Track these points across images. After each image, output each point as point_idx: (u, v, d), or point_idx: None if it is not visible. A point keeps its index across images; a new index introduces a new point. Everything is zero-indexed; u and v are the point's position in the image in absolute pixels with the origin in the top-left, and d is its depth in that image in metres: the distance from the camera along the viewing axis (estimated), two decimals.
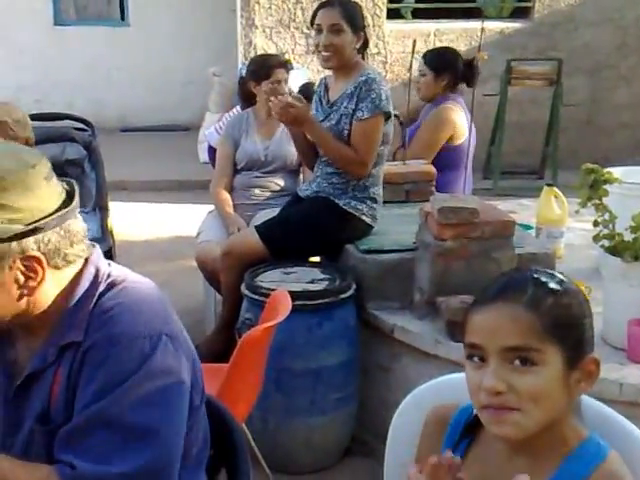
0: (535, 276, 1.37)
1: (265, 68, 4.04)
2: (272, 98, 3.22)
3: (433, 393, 1.63)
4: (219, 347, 3.28)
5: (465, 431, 1.44)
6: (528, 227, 3.69)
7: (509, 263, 2.89)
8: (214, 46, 8.87)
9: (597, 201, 2.64)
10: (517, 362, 1.29)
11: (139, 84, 9.44)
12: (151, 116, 9.34)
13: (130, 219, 5.99)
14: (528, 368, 1.29)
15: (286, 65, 4.14)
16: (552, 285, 1.34)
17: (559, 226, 3.59)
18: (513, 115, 7.19)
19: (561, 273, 1.42)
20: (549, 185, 3.68)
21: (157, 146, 8.55)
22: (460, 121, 4.18)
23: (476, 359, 1.33)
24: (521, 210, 4.12)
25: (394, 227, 3.42)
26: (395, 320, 3.01)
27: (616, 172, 3.16)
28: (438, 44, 7.14)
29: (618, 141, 7.72)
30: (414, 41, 4.12)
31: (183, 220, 5.92)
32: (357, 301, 3.11)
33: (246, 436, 2.52)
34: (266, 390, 2.74)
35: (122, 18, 9.66)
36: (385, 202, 3.52)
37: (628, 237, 2.60)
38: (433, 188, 3.80)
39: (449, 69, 4.23)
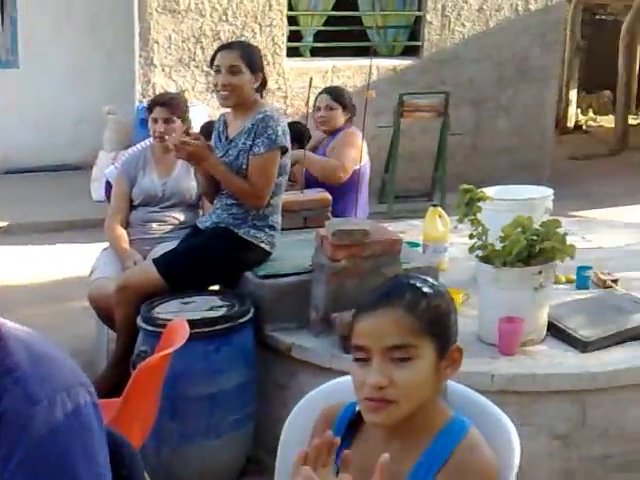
0: (411, 282, 1.55)
1: (150, 107, 4.15)
2: (166, 137, 3.31)
3: (323, 397, 1.75)
4: (113, 382, 3.24)
5: (349, 426, 1.58)
6: (416, 244, 3.92)
7: None
8: (109, 84, 8.79)
9: (472, 217, 2.89)
10: (397, 359, 1.45)
11: (27, 124, 9.10)
12: (39, 156, 8.96)
13: (13, 263, 5.86)
14: (407, 363, 1.46)
15: (170, 104, 4.10)
16: (425, 289, 1.53)
17: (443, 242, 3.84)
18: (405, 144, 7.54)
19: (430, 278, 1.61)
20: (434, 206, 3.93)
21: (45, 186, 8.24)
22: (363, 147, 4.46)
23: (361, 359, 1.48)
24: (411, 230, 4.36)
25: (292, 252, 3.55)
26: (292, 339, 3.14)
27: (490, 191, 3.45)
28: (335, 80, 7.49)
29: (499, 164, 8.25)
30: (310, 79, 4.41)
31: (72, 261, 5.79)
32: (256, 324, 3.20)
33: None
34: (160, 420, 2.74)
35: (11, 59, 9.40)
36: (284, 229, 3.67)
37: (499, 247, 2.86)
38: (329, 214, 3.97)
39: (351, 104, 4.60)
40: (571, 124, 13.82)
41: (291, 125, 3.84)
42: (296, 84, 7.56)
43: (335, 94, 4.62)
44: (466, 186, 2.92)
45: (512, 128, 8.47)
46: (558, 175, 9.87)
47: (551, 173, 9.43)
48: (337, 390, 1.75)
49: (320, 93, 4.70)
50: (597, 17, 14.78)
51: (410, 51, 8.34)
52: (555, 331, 3.08)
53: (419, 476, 1.49)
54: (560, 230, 2.86)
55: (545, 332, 3.08)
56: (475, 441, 1.51)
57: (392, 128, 7.36)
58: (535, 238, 2.79)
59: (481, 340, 3.07)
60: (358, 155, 4.36)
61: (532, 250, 2.81)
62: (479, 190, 2.96)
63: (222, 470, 3.15)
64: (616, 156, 11.47)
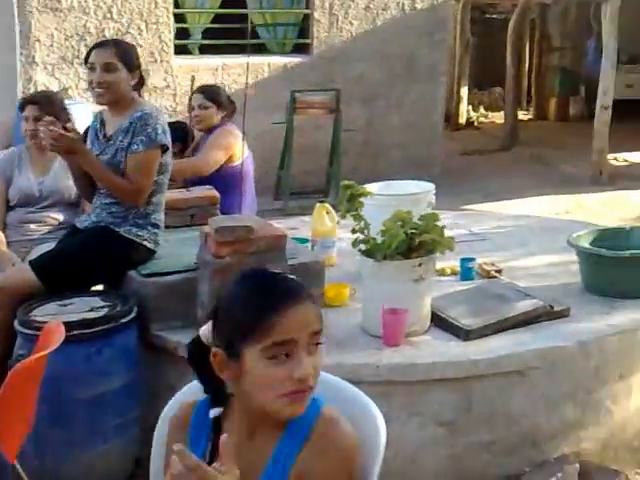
0: (285, 275, 1.59)
1: (21, 105, 4.08)
2: (41, 128, 3.24)
3: (193, 394, 1.71)
4: None
5: (214, 425, 1.57)
6: (305, 240, 3.95)
7: None
8: None
9: (354, 212, 2.92)
10: (314, 344, 1.49)
11: None
12: None
13: None
14: (318, 347, 1.50)
15: (41, 102, 4.01)
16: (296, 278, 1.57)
17: (331, 237, 3.88)
18: (300, 141, 7.58)
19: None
20: (321, 202, 3.96)
21: None
22: (239, 143, 4.44)
23: (281, 355, 1.46)
24: (303, 226, 4.37)
25: (178, 250, 3.51)
26: (178, 338, 3.09)
27: (374, 187, 3.50)
28: (226, 78, 7.47)
29: (392, 160, 8.40)
30: (192, 77, 4.38)
31: None
32: (142, 324, 3.16)
33: (20, 475, 2.45)
34: (41, 424, 2.66)
35: None
36: (171, 227, 3.65)
37: (380, 241, 2.91)
38: (218, 211, 3.96)
39: (226, 102, 4.60)
40: (463, 120, 14.16)
41: (172, 124, 3.81)
42: (185, 82, 7.50)
43: (208, 93, 4.64)
44: (347, 182, 2.96)
45: (403, 124, 8.63)
46: (450, 170, 10.09)
47: (443, 168, 9.63)
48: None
49: (194, 92, 4.70)
50: (487, 16, 15.20)
51: (300, 49, 8.40)
52: (438, 321, 3.15)
53: (280, 460, 1.51)
54: (439, 223, 2.92)
55: (429, 322, 3.14)
56: (332, 415, 1.54)
57: (285, 124, 7.38)
58: (414, 231, 2.84)
59: (366, 332, 3.11)
60: (225, 152, 4.40)
61: (412, 243, 2.86)
62: (360, 186, 3.00)
63: (109, 475, 3.08)
64: (507, 151, 11.78)
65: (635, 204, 8.29)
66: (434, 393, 2.92)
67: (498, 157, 11.46)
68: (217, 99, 4.57)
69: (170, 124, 3.59)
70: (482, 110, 15.46)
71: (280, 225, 4.79)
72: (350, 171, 7.50)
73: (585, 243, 3.59)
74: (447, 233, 4.47)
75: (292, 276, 1.57)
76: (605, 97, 9.28)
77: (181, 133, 4.46)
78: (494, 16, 15.11)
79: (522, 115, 16.09)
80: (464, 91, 13.83)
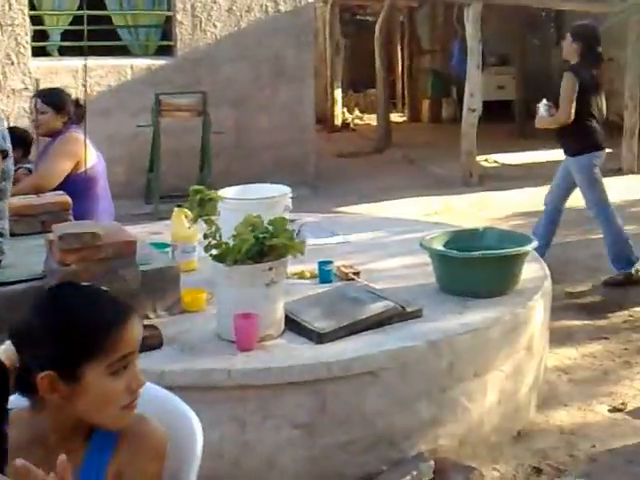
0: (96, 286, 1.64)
1: None
2: None
3: None
4: None
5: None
6: (165, 245, 3.87)
7: (134, 279, 3.03)
8: None
9: (206, 217, 2.89)
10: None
11: None
12: None
13: None
14: None
15: None
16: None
17: (191, 242, 3.82)
18: (169, 143, 7.49)
19: None
20: (179, 206, 3.90)
21: None
22: (84, 149, 4.29)
23: (122, 369, 1.49)
24: (167, 230, 4.28)
25: (26, 258, 3.37)
26: None
27: (230, 191, 3.48)
28: (88, 80, 7.28)
29: (265, 162, 8.42)
30: (36, 80, 4.23)
31: None
32: None
33: None
34: None
35: None
36: (20, 235, 3.52)
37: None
38: (71, 217, 3.84)
39: (67, 106, 4.43)
40: (339, 122, 14.31)
41: (12, 129, 3.68)
42: (45, 84, 7.29)
43: (47, 97, 4.47)
44: (196, 187, 2.93)
45: (273, 126, 8.68)
46: (325, 172, 10.19)
47: (318, 170, 9.72)
48: None
49: (33, 96, 4.53)
50: (358, 17, 15.41)
51: (164, 51, 8.32)
52: (293, 325, 3.15)
53: (93, 467, 1.51)
54: (289, 227, 2.93)
55: (283, 326, 3.13)
56: (138, 415, 1.55)
57: (152, 127, 7.27)
58: (264, 236, 2.83)
59: (220, 337, 3.09)
60: (71, 161, 4.27)
61: (263, 247, 2.85)
62: (211, 191, 2.97)
63: None
64: (380, 153, 11.97)
65: (503, 205, 8.58)
66: (288, 396, 2.92)
67: (372, 159, 11.65)
68: (56, 103, 4.38)
69: (9, 129, 3.46)
70: (357, 112, 15.67)
71: (145, 229, 4.74)
72: (222, 173, 7.48)
73: (439, 245, 3.67)
74: (309, 236, 4.58)
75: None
76: (472, 99, 9.55)
77: (19, 138, 4.30)
78: (365, 18, 15.35)
79: (397, 117, 16.42)
80: (338, 93, 13.99)
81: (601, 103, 5.78)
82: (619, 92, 10.48)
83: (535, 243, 3.62)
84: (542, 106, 5.77)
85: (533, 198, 8.84)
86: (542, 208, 8.30)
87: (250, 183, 4.03)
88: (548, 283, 3.79)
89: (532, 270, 3.82)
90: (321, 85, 14.08)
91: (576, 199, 8.28)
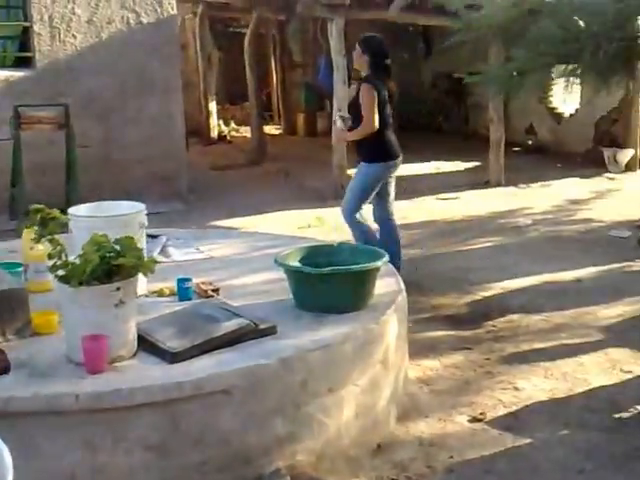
0: None
1: None
2: None
3: None
4: None
5: None
6: (17, 265, 3.75)
7: None
8: None
9: (49, 236, 2.80)
10: None
11: None
12: None
13: None
14: None
15: None
16: None
17: (44, 261, 3.68)
18: (33, 157, 7.28)
19: None
20: (28, 227, 3.77)
21: None
22: None
23: None
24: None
25: None
26: None
27: (83, 208, 3.39)
28: None
29: (136, 175, 8.29)
30: None
31: None
32: None
33: None
34: None
35: None
36: None
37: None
38: None
39: None
40: (215, 135, 14.24)
41: None
42: None
43: None
44: (37, 206, 2.84)
45: (143, 140, 8.56)
46: (199, 185, 10.11)
47: (192, 184, 9.63)
48: None
49: None
50: (231, 30, 15.37)
51: (23, 62, 8.07)
52: (146, 345, 3.09)
53: None
54: (138, 246, 2.87)
55: (136, 347, 3.08)
56: None
57: (11, 141, 7.05)
58: (111, 255, 2.77)
59: (70, 360, 3.00)
60: None
61: (110, 267, 2.79)
62: (52, 209, 2.88)
63: None
64: (256, 166, 11.97)
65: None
66: (139, 418, 2.86)
67: (247, 172, 11.63)
68: None
69: None
70: (233, 124, 15.64)
71: (3, 247, 4.57)
72: (93, 187, 7.32)
73: (295, 261, 3.68)
74: (174, 252, 4.52)
75: None
76: (340, 113, 9.62)
77: None
78: (239, 30, 15.34)
79: (274, 130, 16.48)
80: (213, 106, 13.91)
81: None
82: (484, 106, 10.86)
83: (386, 258, 3.68)
84: (338, 119, 5.90)
85: (404, 210, 9.02)
86: (408, 220, 8.53)
87: (121, 198, 3.94)
88: (402, 297, 3.86)
89: (387, 284, 3.89)
90: (195, 97, 13.99)
91: (446, 212, 8.54)
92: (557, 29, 4.58)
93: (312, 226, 8.29)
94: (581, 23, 4.49)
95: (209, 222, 8.16)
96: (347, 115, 5.96)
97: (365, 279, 3.53)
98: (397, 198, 9.56)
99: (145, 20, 8.40)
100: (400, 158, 6.02)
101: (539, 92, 12.38)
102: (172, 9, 8.64)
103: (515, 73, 5.02)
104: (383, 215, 6.17)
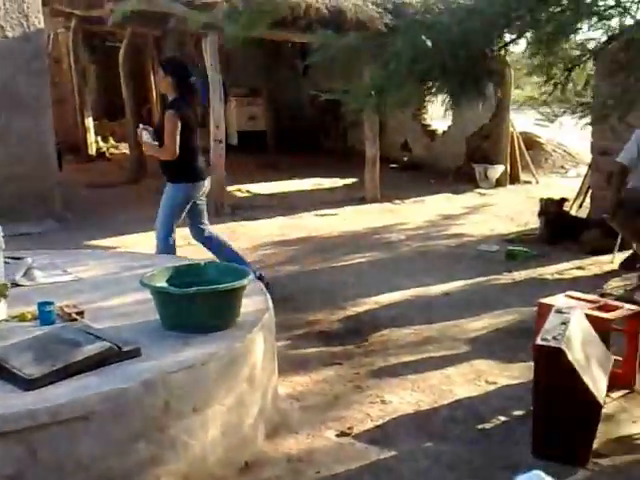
0: None
1: None
2: None
3: None
4: None
5: None
6: None
7: None
8: None
9: None
10: None
11: None
12: None
13: None
14: None
15: None
16: None
17: None
18: None
19: None
20: None
21: None
22: None
23: None
24: None
25: None
26: None
27: None
28: None
29: (7, 193, 8.10)
30: None
31: None
32: None
33: None
34: None
35: None
36: None
37: None
38: None
39: None
40: (93, 151, 13.94)
41: None
42: None
43: None
44: None
45: (12, 158, 8.31)
46: (76, 204, 9.89)
47: (67, 202, 9.41)
48: None
49: None
50: (108, 44, 15.09)
51: None
52: (2, 372, 3.00)
53: None
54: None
55: None
56: None
57: None
58: None
59: None
60: None
61: None
62: None
63: None
64: (135, 184, 11.78)
65: (254, 234, 8.73)
66: None
67: (126, 190, 11.45)
68: None
69: None
70: (112, 141, 15.36)
71: None
72: None
73: (161, 281, 3.66)
74: (39, 275, 4.42)
75: None
76: (218, 131, 9.64)
77: None
78: (116, 44, 15.11)
79: None
80: (89, 121, 13.62)
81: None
82: (361, 123, 11.06)
83: (252, 276, 3.70)
84: (144, 133, 5.97)
85: (282, 227, 9.11)
86: (286, 237, 8.61)
87: None
88: (270, 315, 3.89)
89: (254, 303, 3.91)
90: (70, 113, 13.68)
91: (323, 228, 8.64)
92: (408, 48, 4.72)
93: (191, 244, 8.23)
94: (428, 43, 4.64)
95: (84, 242, 7.99)
96: (150, 128, 5.99)
97: (230, 298, 3.54)
98: (277, 214, 9.71)
99: (10, 34, 8.17)
100: (208, 180, 6.21)
101: (411, 109, 12.73)
102: (39, 23, 8.43)
103: (373, 92, 5.15)
104: (199, 235, 6.38)
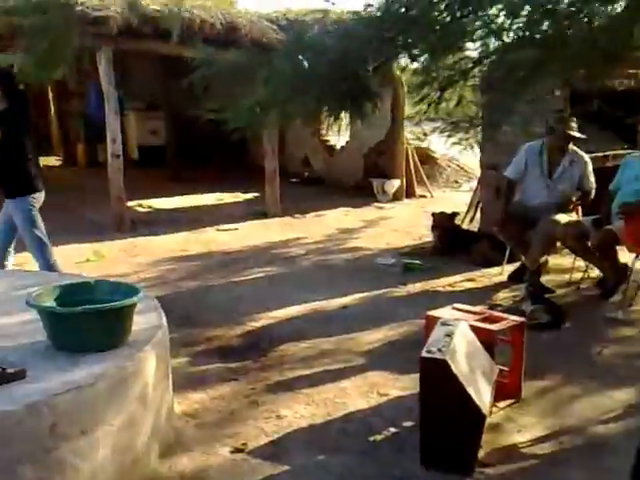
0: None
1: None
2: None
3: None
4: None
5: None
6: None
7: None
8: None
9: None
10: None
11: None
12: None
13: None
14: None
15: None
16: None
17: None
18: None
19: None
20: None
21: None
22: None
23: None
24: None
25: None
26: None
27: None
28: None
29: None
30: None
31: None
32: None
33: None
34: None
35: None
36: None
37: None
38: None
39: None
40: None
41: None
42: None
43: None
44: None
45: None
46: None
47: None
48: None
49: None
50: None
51: None
52: None
53: None
54: None
55: None
56: None
57: None
58: None
59: None
60: None
61: None
62: None
63: None
64: None
65: (155, 249, 8.67)
66: None
67: None
68: None
69: None
70: None
71: None
72: None
73: (50, 300, 3.60)
74: None
75: None
76: (115, 145, 9.53)
77: None
78: None
79: (54, 161, 15.97)
80: None
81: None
82: (260, 138, 11.11)
83: (142, 294, 3.68)
84: None
85: (184, 242, 9.07)
86: (187, 252, 8.58)
87: None
88: (163, 332, 3.87)
89: (147, 320, 3.89)
90: None
91: (224, 243, 8.62)
92: (288, 68, 4.80)
93: (90, 260, 8.12)
94: (305, 63, 4.74)
95: None
96: None
97: (120, 316, 3.52)
98: (178, 229, 9.66)
99: None
100: (43, 191, 6.20)
101: (310, 125, 12.86)
102: None
103: (258, 109, 5.21)
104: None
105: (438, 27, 4.47)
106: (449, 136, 5.22)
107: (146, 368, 3.58)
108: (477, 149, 8.39)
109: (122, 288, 3.76)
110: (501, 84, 4.72)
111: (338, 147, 14.10)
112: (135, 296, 3.56)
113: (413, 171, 12.52)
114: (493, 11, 4.54)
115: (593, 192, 6.86)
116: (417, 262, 7.80)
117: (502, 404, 4.38)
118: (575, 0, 4.19)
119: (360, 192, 12.40)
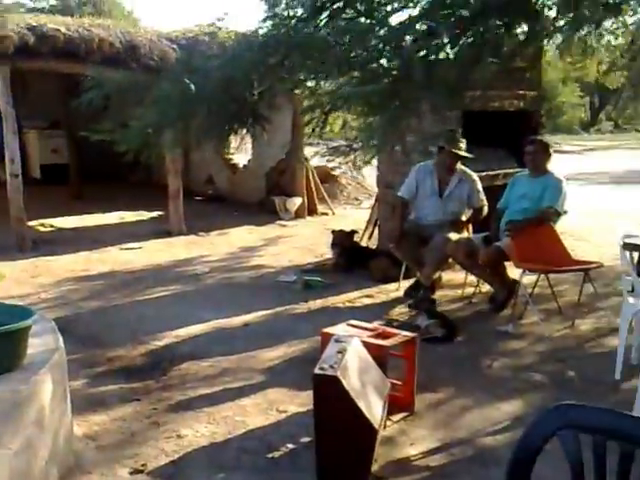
0: None
1: None
2: None
3: None
4: None
5: None
6: None
7: None
8: None
9: None
10: None
11: None
12: None
13: None
14: None
15: None
16: None
17: None
18: None
19: None
20: None
21: None
22: None
23: None
24: None
25: None
26: None
27: None
28: None
29: None
30: None
31: None
32: None
33: None
34: None
35: None
36: None
37: None
38: None
39: None
40: None
41: None
42: None
43: None
44: None
45: None
46: None
47: None
48: None
49: None
50: None
51: None
52: None
53: None
54: None
55: None
56: None
57: None
58: None
59: None
60: None
61: None
62: None
63: None
64: None
65: (57, 269, 8.58)
66: None
67: None
68: None
69: None
70: None
71: None
72: None
73: None
74: None
75: None
76: (13, 165, 9.41)
77: None
78: None
79: None
80: None
81: None
82: (164, 157, 11.11)
83: (36, 316, 3.68)
84: None
85: (86, 262, 9.00)
86: (90, 272, 8.51)
87: None
88: (59, 355, 3.87)
89: (44, 343, 3.88)
90: None
91: (128, 262, 8.60)
92: (175, 90, 4.88)
93: None
94: (192, 86, 4.82)
95: None
96: None
97: (14, 339, 3.50)
98: (81, 249, 9.56)
99: None
100: None
101: (212, 144, 12.92)
102: None
103: (150, 131, 5.27)
104: None
105: (317, 54, 4.62)
106: (328, 161, 5.40)
107: (42, 391, 3.58)
108: (373, 168, 8.61)
109: (15, 311, 3.73)
110: (380, 108, 4.92)
111: (241, 166, 14.21)
112: (29, 318, 3.56)
113: (314, 189, 12.72)
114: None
115: (485, 208, 7.15)
116: (318, 279, 7.95)
117: (396, 417, 4.53)
118: (418, 38, 4.41)
119: (263, 210, 12.53)
